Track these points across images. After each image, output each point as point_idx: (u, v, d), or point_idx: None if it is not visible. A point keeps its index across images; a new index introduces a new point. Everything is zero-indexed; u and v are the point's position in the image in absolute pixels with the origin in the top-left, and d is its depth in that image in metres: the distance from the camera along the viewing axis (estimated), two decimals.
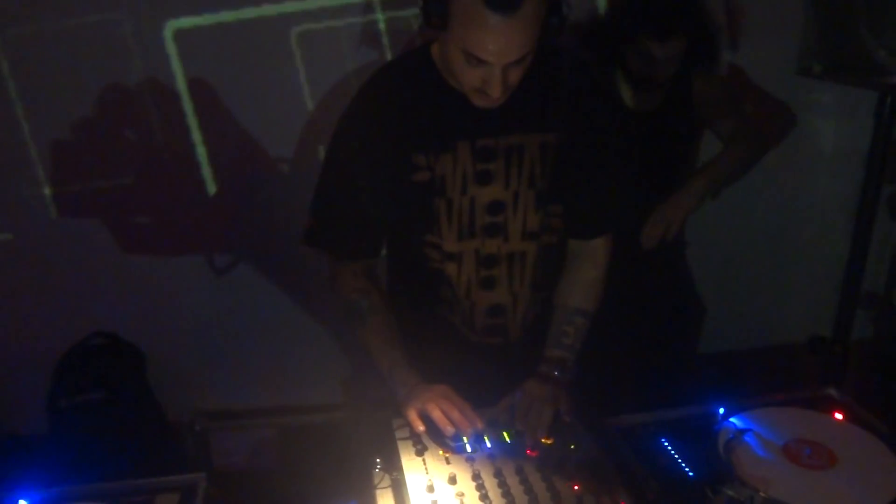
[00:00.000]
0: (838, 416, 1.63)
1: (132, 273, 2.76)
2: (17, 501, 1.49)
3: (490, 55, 1.45)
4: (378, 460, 1.53)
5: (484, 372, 1.81)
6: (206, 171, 2.67)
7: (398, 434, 1.59)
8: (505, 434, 1.58)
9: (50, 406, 2.67)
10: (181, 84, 2.54)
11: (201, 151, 2.64)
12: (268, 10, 2.47)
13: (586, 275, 1.83)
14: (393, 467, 1.51)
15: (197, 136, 2.61)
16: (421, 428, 1.56)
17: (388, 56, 2.54)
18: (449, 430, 1.53)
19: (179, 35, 2.48)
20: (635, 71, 2.30)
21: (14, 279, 2.71)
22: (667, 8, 2.25)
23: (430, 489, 1.43)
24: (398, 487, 1.47)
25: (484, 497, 1.41)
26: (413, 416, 1.57)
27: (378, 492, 1.47)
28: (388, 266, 1.95)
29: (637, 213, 2.37)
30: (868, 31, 2.05)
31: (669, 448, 1.56)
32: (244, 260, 2.82)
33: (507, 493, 1.41)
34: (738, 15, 2.62)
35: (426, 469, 1.49)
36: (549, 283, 1.84)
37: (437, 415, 1.55)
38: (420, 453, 1.53)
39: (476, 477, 1.45)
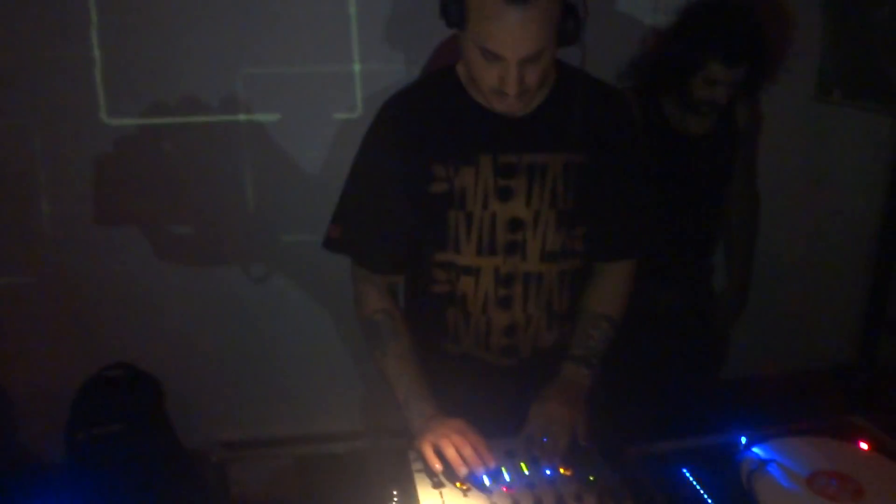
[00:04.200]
0: (864, 445, 1.59)
1: (149, 304, 2.78)
2: None
3: (506, 49, 1.48)
4: (395, 492, 1.51)
5: (498, 395, 1.79)
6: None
7: (414, 466, 1.57)
8: (523, 465, 1.56)
9: (68, 438, 2.67)
10: None
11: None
12: None
13: (611, 287, 1.84)
14: (410, 499, 1.49)
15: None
16: (438, 466, 1.53)
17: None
18: (462, 471, 1.51)
19: None
20: (698, 96, 2.33)
21: (32, 312, 2.73)
22: (738, 34, 2.28)
23: None
24: None
25: None
26: (429, 452, 1.55)
27: None
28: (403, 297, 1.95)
29: (676, 234, 2.41)
30: (887, 56, 2.04)
31: (691, 478, 1.53)
32: (261, 287, 2.83)
33: None
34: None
35: (443, 502, 1.47)
36: (566, 311, 1.83)
37: (450, 453, 1.53)
38: (437, 486, 1.51)
39: None
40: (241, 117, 2.60)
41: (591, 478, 1.51)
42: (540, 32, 1.47)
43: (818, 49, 2.32)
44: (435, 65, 2.53)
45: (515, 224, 1.71)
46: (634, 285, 1.89)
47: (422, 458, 1.57)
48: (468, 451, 1.53)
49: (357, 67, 2.58)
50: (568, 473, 1.53)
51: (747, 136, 2.58)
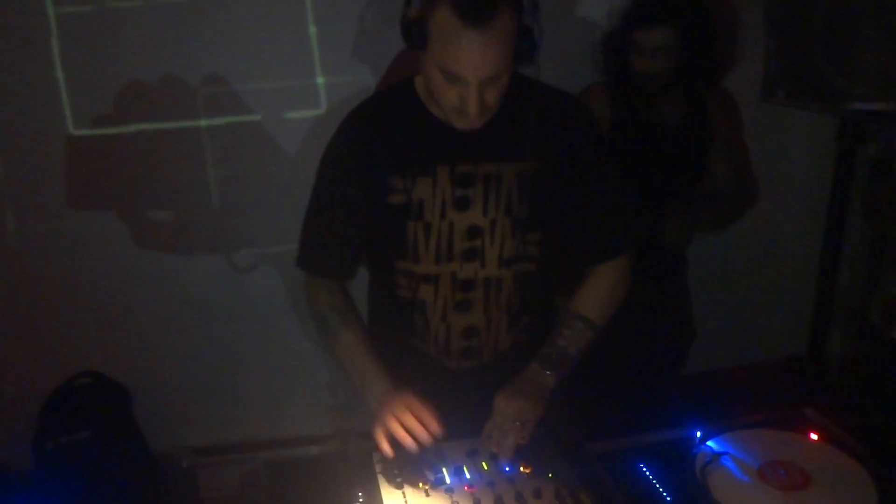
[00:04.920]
0: (814, 436, 1.64)
1: (117, 311, 2.77)
2: None
3: (466, 71, 1.50)
4: (360, 494, 1.54)
5: (462, 399, 1.81)
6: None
7: (378, 467, 1.60)
8: (484, 464, 1.60)
9: (36, 448, 2.66)
10: None
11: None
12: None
13: (592, 289, 1.83)
14: (374, 501, 1.52)
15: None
16: (390, 454, 1.56)
17: None
18: (409, 445, 1.54)
19: None
20: (638, 71, 2.38)
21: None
22: None
23: None
24: None
25: None
26: (381, 439, 1.58)
27: None
28: (367, 298, 1.98)
29: (653, 225, 2.45)
30: (825, 59, 2.10)
31: (647, 473, 1.57)
32: (228, 292, 2.83)
33: None
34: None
35: (406, 502, 1.50)
36: (526, 314, 1.86)
37: (399, 433, 1.55)
38: (400, 486, 1.54)
39: None
40: (203, 122, 2.61)
41: (550, 475, 1.55)
42: (499, 54, 1.50)
43: (763, 51, 2.38)
44: (391, 76, 2.56)
45: (473, 232, 1.73)
46: (627, 288, 1.87)
47: (385, 459, 1.59)
48: (410, 421, 1.56)
49: (321, 80, 2.61)
50: (527, 471, 1.57)
51: (718, 127, 2.59)
